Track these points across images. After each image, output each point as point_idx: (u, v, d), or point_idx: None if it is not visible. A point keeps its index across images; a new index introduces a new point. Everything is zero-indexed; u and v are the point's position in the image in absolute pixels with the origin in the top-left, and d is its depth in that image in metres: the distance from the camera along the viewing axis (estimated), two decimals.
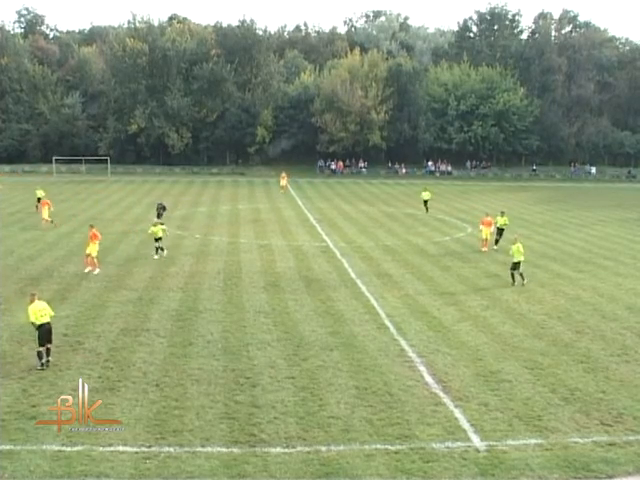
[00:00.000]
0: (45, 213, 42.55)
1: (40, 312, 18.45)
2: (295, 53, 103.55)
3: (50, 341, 18.62)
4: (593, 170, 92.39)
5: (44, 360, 18.26)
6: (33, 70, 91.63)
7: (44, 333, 18.39)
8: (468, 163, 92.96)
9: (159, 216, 42.65)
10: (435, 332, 22.22)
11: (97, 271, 29.56)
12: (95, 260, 30.00)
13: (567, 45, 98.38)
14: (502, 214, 38.01)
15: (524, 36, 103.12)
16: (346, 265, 32.56)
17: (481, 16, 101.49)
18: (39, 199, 49.38)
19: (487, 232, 36.63)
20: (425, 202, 52.45)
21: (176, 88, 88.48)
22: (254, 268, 31.49)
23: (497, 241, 37.18)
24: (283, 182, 66.14)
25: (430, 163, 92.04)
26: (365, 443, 14.47)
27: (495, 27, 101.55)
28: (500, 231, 37.44)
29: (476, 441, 14.68)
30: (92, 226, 31.32)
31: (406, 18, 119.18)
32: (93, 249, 30.04)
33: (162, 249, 33.23)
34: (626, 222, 50.36)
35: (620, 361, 19.75)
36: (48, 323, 18.59)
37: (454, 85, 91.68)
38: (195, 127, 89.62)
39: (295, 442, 14.45)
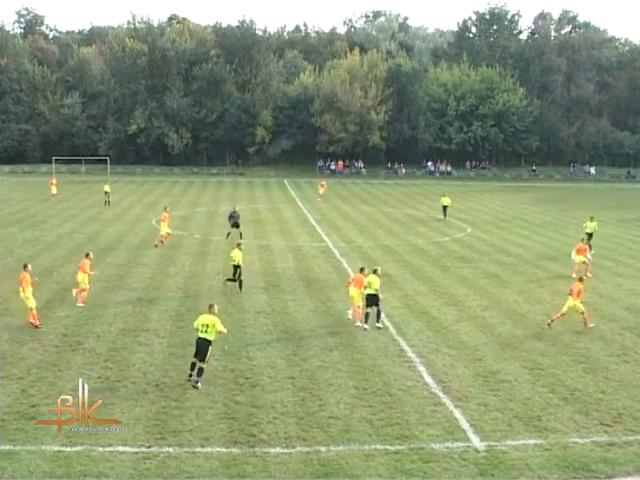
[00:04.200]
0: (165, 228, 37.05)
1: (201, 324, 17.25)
2: (295, 53, 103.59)
3: (201, 359, 17.10)
4: (592, 170, 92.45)
5: (191, 373, 17.31)
6: (33, 70, 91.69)
7: (197, 346, 17.31)
8: (468, 163, 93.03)
9: (236, 225, 39.16)
10: (435, 332, 22.22)
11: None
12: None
13: (567, 45, 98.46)
14: (592, 219, 37.00)
15: (523, 36, 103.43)
16: (346, 265, 32.55)
17: (480, 16, 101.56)
18: (106, 193, 53.70)
19: (581, 258, 31.17)
20: (444, 208, 49.37)
21: (176, 88, 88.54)
22: (254, 268, 31.47)
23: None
24: (322, 190, 61.24)
25: (430, 163, 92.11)
26: (365, 443, 14.47)
27: (494, 27, 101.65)
28: (589, 236, 35.91)
29: (476, 441, 14.67)
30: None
31: (405, 18, 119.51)
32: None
33: (232, 280, 27.05)
34: (625, 222, 50.38)
35: (619, 361, 19.75)
36: (204, 339, 17.12)
37: (453, 85, 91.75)
38: (195, 127, 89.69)
39: (295, 442, 14.44)
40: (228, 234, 38.70)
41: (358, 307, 22.57)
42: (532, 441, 14.73)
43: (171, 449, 14.05)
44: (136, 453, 13.84)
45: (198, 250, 35.65)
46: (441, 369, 18.81)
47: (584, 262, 31.22)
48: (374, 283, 22.28)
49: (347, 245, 38.04)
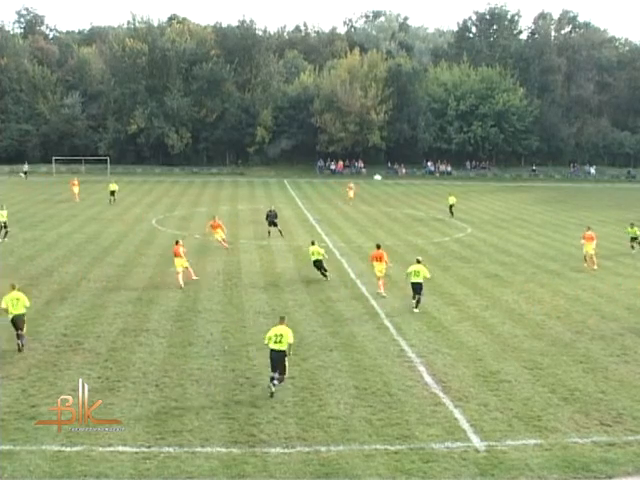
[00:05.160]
0: (220, 234, 36.25)
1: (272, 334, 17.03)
2: (295, 53, 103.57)
3: (281, 372, 16.81)
4: (592, 170, 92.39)
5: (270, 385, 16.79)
6: (33, 70, 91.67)
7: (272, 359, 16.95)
8: (468, 163, 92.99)
9: (273, 224, 40.02)
10: (435, 332, 22.23)
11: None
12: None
13: (567, 45, 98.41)
14: (632, 225, 37.78)
15: (524, 36, 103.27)
16: (346, 265, 32.57)
17: (480, 16, 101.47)
18: (112, 192, 54.67)
19: (590, 248, 32.79)
20: (451, 206, 50.49)
21: (176, 88, 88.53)
22: (254, 268, 31.50)
23: (633, 247, 37.26)
24: (351, 193, 58.61)
25: (430, 163, 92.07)
26: (365, 443, 14.47)
27: (494, 27, 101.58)
28: (634, 239, 37.31)
29: (476, 441, 14.67)
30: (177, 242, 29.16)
31: (405, 18, 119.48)
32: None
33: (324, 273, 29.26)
34: (625, 222, 50.08)
35: (619, 361, 19.75)
36: (278, 350, 16.82)
37: (454, 85, 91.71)
38: (195, 127, 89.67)
39: (294, 442, 14.45)
40: (269, 232, 39.86)
41: (379, 279, 26.95)
42: (532, 441, 14.73)
43: (171, 449, 14.05)
44: (136, 453, 13.85)
45: (198, 250, 35.62)
46: (441, 369, 18.81)
47: (592, 255, 32.75)
48: (421, 272, 24.67)
49: (347, 245, 38.04)
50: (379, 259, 26.92)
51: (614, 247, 38.92)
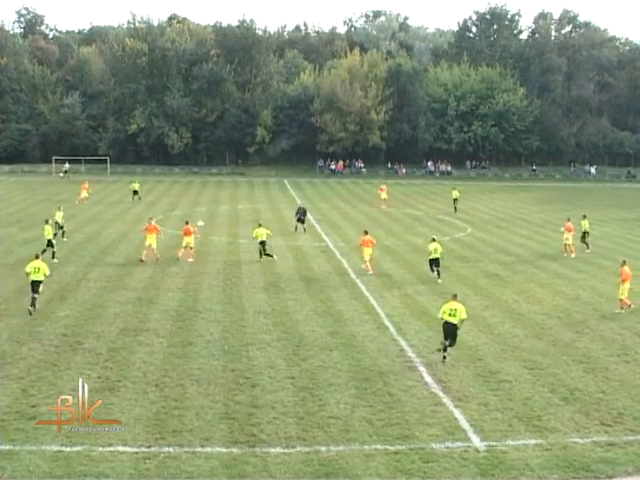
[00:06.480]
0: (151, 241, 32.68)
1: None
2: (295, 53, 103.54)
3: (451, 344, 19.36)
4: (593, 170, 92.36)
5: (444, 355, 19.28)
6: (33, 70, 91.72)
7: (445, 331, 19.39)
8: (468, 163, 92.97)
9: (301, 221, 41.42)
10: (435, 332, 22.14)
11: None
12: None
13: (567, 45, 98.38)
14: (584, 217, 37.71)
15: (524, 36, 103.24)
16: (346, 265, 32.57)
17: (480, 16, 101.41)
18: (135, 192, 55.96)
19: (570, 237, 35.55)
20: (454, 200, 52.66)
21: (176, 88, 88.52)
22: (254, 268, 31.49)
23: (587, 244, 37.16)
24: (384, 194, 56.37)
25: (430, 163, 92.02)
26: (365, 443, 14.47)
27: (495, 27, 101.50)
28: (584, 234, 37.21)
29: (476, 441, 14.67)
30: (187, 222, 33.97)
31: (406, 18, 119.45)
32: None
33: (269, 255, 32.81)
34: (625, 222, 50.36)
35: (620, 361, 19.75)
36: (452, 323, 19.13)
37: (454, 85, 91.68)
38: (195, 127, 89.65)
39: (295, 442, 14.44)
40: (296, 228, 41.48)
41: (366, 261, 30.52)
42: (532, 441, 14.73)
43: (171, 449, 14.05)
44: (136, 453, 13.84)
45: (198, 250, 35.52)
46: (441, 369, 18.81)
47: (570, 244, 35.44)
48: (438, 249, 28.97)
49: (347, 245, 38.04)
50: (368, 244, 30.66)
51: (614, 247, 38.90)
